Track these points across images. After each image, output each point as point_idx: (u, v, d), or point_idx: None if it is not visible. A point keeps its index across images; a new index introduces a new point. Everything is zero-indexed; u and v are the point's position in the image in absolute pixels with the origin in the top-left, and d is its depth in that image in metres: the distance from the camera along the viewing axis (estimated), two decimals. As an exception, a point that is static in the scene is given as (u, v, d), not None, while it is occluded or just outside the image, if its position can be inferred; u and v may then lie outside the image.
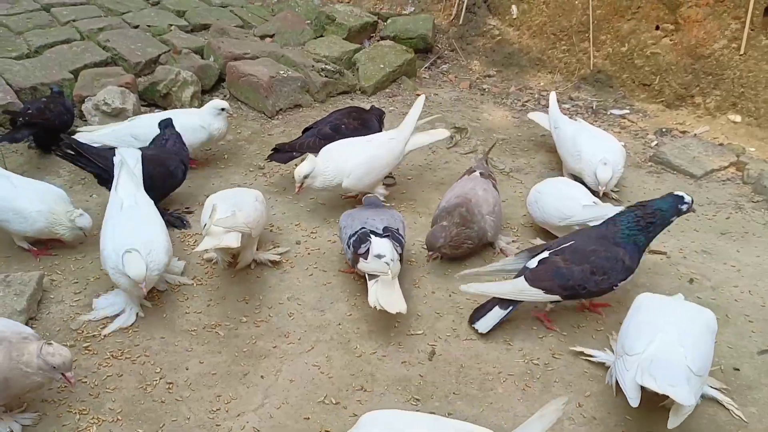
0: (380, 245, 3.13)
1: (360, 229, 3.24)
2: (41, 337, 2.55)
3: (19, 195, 3.33)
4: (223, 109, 4.21)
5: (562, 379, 2.82)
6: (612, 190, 4.08)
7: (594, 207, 3.44)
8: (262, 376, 2.80)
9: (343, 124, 4.23)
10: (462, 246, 3.43)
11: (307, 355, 2.91)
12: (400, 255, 3.17)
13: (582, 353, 2.91)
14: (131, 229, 3.03)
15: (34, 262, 3.37)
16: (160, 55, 5.30)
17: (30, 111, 4.11)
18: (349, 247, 3.23)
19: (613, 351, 2.86)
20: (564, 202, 3.48)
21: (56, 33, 5.49)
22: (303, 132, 4.32)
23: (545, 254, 3.04)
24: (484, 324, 3.02)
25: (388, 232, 3.23)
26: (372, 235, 3.17)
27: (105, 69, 5.00)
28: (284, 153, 4.15)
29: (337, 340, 3.00)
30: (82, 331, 2.98)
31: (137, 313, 3.06)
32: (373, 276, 3.05)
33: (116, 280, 2.96)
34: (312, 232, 3.72)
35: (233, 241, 3.03)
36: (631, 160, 4.60)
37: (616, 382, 2.55)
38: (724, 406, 2.70)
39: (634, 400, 2.40)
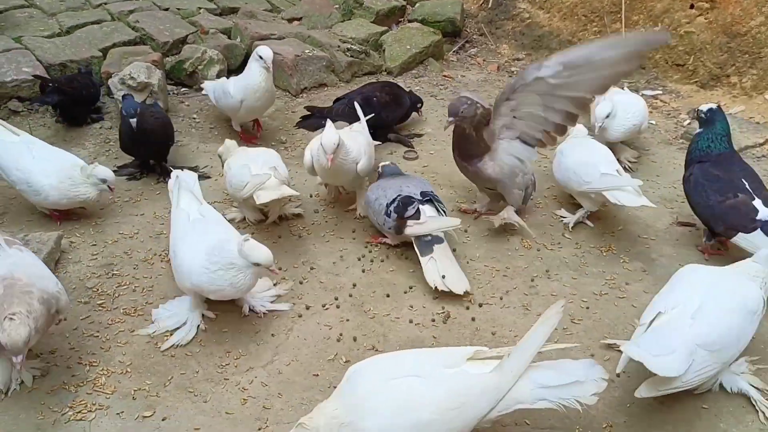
0: (427, 211, 3.12)
1: (398, 196, 3.20)
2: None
3: (35, 168, 3.30)
4: (260, 57, 3.99)
5: (581, 343, 2.72)
6: (630, 161, 3.99)
7: (613, 176, 3.31)
8: (272, 335, 2.77)
9: (375, 96, 4.23)
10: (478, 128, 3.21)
11: (319, 316, 2.87)
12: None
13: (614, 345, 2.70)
14: (208, 233, 2.72)
15: (55, 226, 3.39)
16: (187, 36, 5.33)
17: (59, 79, 4.24)
18: (389, 216, 3.17)
19: None
20: (583, 168, 3.36)
21: (88, 14, 5.57)
22: (334, 102, 4.31)
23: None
24: None
25: (428, 196, 3.20)
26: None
27: (133, 48, 5.05)
28: (314, 119, 4.19)
29: (350, 303, 2.95)
30: (97, 289, 2.99)
31: (198, 326, 2.77)
32: (426, 251, 3.02)
33: (209, 285, 2.62)
34: (330, 202, 3.68)
35: (292, 191, 3.17)
36: (662, 137, 4.47)
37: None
38: (755, 406, 2.49)
39: (618, 368, 2.34)
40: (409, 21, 6.08)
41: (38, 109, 4.43)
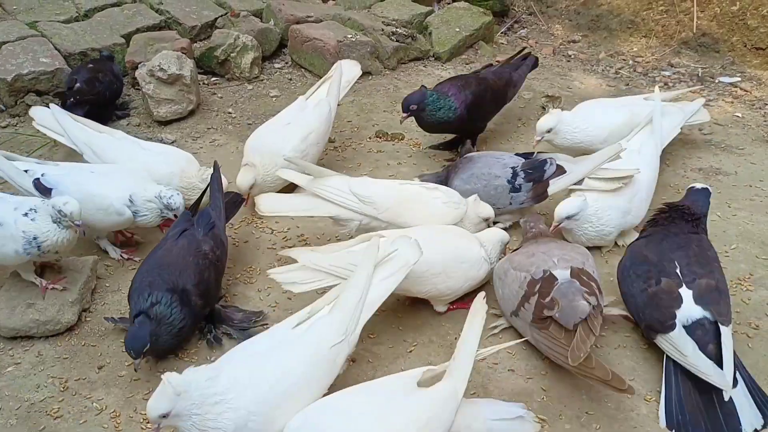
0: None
1: (515, 167, 3.05)
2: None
3: (147, 156, 3.12)
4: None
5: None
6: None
7: None
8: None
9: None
10: None
11: (404, 361, 2.46)
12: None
13: None
14: None
15: (89, 251, 2.95)
16: (216, 19, 4.88)
17: (79, 86, 3.72)
18: (518, 189, 3.03)
19: None
20: None
21: (106, -5, 5.09)
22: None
23: (688, 293, 2.36)
24: (749, 417, 2.18)
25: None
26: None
27: (159, 33, 4.60)
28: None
29: (437, 343, 2.54)
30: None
31: None
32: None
33: None
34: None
35: None
36: (754, 133, 4.01)
37: None
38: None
39: None
40: (454, 0, 5.58)
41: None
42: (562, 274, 2.38)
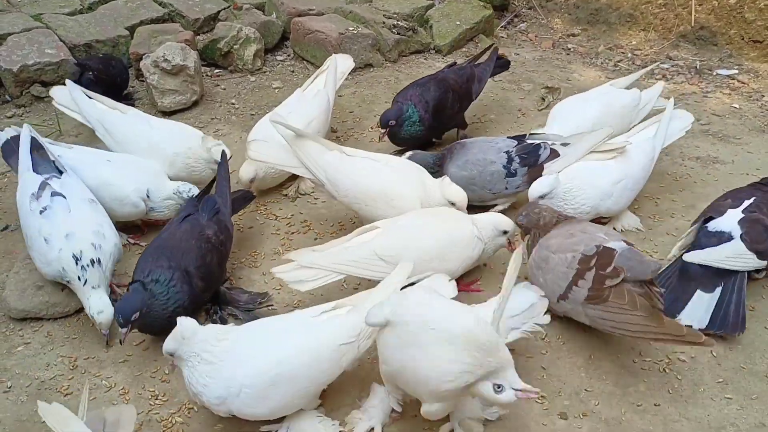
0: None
1: (509, 151, 3.06)
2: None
3: (155, 134, 3.15)
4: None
5: (716, 375, 2.37)
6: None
7: None
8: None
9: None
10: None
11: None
12: None
13: None
14: None
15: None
16: (219, 12, 4.92)
17: (100, 67, 3.84)
18: (514, 174, 3.04)
19: None
20: None
21: (110, -12, 5.14)
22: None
23: (736, 213, 2.66)
24: (695, 314, 2.48)
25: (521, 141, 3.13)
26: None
27: (162, 26, 4.65)
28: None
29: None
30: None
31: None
32: None
33: None
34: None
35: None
36: (751, 124, 4.06)
37: None
38: None
39: None
40: (454, -7, 5.63)
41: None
42: (617, 245, 2.38)
